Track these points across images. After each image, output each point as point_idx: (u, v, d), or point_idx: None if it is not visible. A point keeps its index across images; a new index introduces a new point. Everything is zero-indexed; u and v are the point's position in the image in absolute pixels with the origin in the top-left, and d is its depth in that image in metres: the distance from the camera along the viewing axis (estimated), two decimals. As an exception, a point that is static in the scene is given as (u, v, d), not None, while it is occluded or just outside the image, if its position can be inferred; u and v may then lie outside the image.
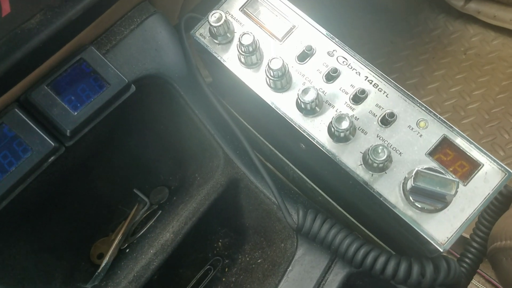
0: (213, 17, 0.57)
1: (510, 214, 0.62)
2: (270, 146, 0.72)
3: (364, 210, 0.59)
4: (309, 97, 0.52)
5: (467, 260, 0.65)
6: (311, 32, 0.58)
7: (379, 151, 0.50)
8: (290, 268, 0.60)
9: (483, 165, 0.50)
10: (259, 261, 0.68)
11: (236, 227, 0.74)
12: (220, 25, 0.57)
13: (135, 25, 0.65)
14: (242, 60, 0.58)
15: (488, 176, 0.50)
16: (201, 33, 0.61)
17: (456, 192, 0.46)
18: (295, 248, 0.61)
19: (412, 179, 0.47)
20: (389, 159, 0.50)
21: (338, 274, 0.58)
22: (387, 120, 0.53)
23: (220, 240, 0.76)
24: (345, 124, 0.51)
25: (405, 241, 0.56)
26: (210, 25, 0.57)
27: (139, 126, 0.74)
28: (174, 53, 0.67)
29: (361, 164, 0.53)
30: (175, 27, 0.70)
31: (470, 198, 0.50)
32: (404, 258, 0.55)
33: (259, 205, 0.67)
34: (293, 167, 0.70)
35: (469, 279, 0.65)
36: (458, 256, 0.68)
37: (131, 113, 0.71)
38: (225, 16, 0.57)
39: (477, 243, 0.66)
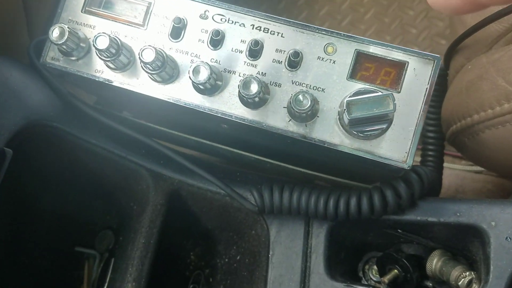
0: (54, 34, 0.46)
1: (452, 93, 0.59)
2: (192, 137, 0.64)
3: (318, 160, 0.54)
4: (203, 75, 0.44)
5: (430, 158, 0.62)
6: (172, 2, 0.49)
7: (301, 99, 0.43)
8: (271, 252, 0.55)
9: (408, 62, 0.46)
10: (238, 258, 0.62)
11: (200, 233, 0.68)
12: (66, 40, 0.46)
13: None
14: (111, 65, 0.48)
15: (418, 71, 0.45)
16: (53, 57, 0.50)
17: (394, 104, 0.41)
18: (267, 230, 0.55)
19: (345, 112, 0.42)
20: (314, 101, 0.44)
21: (319, 235, 0.54)
22: (294, 62, 0.47)
23: (191, 253, 0.69)
24: (254, 88, 0.44)
25: (372, 172, 0.51)
26: (54, 44, 0.47)
27: (44, 183, 0.64)
28: (38, 90, 0.56)
29: (290, 120, 0.47)
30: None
31: (410, 102, 0.45)
32: (374, 188, 0.51)
33: (211, 203, 0.60)
34: (227, 148, 0.63)
35: (440, 173, 0.63)
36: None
37: (27, 175, 0.60)
38: (68, 27, 0.46)
39: (433, 133, 0.64)
